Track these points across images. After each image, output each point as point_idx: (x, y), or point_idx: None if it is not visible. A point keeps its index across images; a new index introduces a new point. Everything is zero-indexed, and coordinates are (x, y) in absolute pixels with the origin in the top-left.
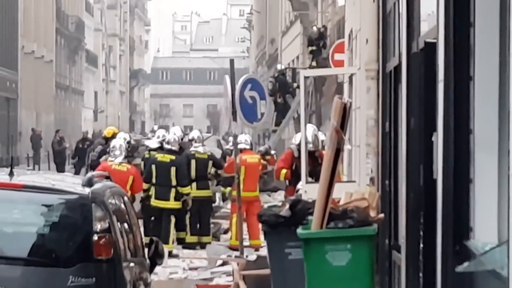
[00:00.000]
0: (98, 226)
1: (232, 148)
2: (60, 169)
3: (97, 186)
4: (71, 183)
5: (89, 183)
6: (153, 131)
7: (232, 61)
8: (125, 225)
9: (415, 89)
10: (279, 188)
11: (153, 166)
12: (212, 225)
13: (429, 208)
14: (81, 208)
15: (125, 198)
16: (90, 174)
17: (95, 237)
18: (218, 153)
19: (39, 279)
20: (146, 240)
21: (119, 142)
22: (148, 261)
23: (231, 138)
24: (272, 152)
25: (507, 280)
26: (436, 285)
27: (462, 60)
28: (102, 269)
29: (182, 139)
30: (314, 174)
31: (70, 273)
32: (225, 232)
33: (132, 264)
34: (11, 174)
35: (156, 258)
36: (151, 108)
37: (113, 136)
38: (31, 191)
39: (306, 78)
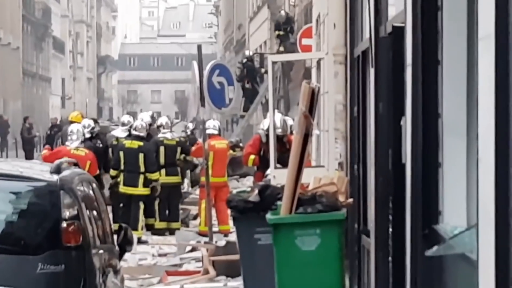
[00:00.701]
0: (66, 213)
1: (184, 135)
2: (29, 156)
3: (65, 173)
4: (39, 170)
5: (57, 170)
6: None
7: (199, 47)
8: (94, 212)
9: (383, 73)
10: (248, 174)
11: (121, 153)
12: (181, 211)
13: (398, 192)
14: (50, 195)
15: (94, 185)
16: (58, 161)
17: (64, 224)
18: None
19: (8, 266)
20: (115, 226)
21: (76, 127)
22: (117, 247)
23: (190, 125)
24: (241, 145)
25: (476, 263)
26: (405, 269)
27: (430, 44)
28: (71, 256)
29: (150, 125)
30: (282, 160)
31: (39, 261)
32: (194, 218)
33: (101, 251)
34: None
35: (125, 244)
36: (119, 95)
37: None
38: None
39: (274, 63)
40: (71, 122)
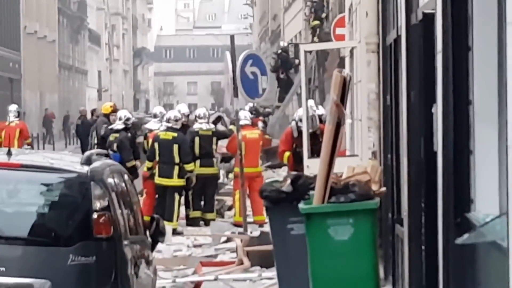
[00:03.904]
0: (97, 205)
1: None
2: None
3: (96, 164)
4: (70, 161)
5: (88, 161)
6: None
7: (232, 37)
8: (126, 203)
9: (415, 61)
10: (284, 164)
11: (156, 144)
12: (216, 202)
13: (430, 181)
14: (80, 186)
15: (126, 176)
16: (89, 152)
17: (95, 216)
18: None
19: (39, 258)
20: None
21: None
22: (149, 239)
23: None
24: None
25: (507, 251)
26: (438, 258)
27: (460, 30)
28: (102, 247)
29: (188, 116)
30: (315, 152)
31: (70, 252)
32: (229, 208)
33: (133, 242)
34: (9, 153)
35: (158, 235)
36: (155, 87)
37: (114, 111)
38: (29, 170)
39: (307, 52)
40: (104, 114)
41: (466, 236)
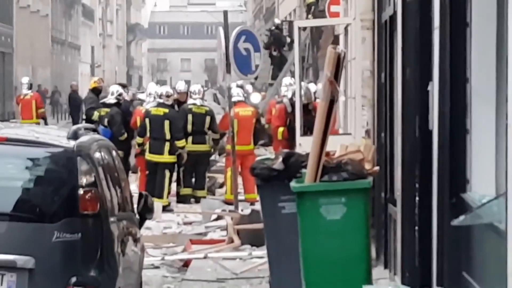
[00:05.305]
0: (83, 180)
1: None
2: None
3: (83, 139)
4: (56, 136)
5: (74, 136)
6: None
7: (226, 13)
8: (113, 179)
9: (411, 38)
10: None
11: (147, 120)
12: (207, 179)
13: (425, 160)
14: (66, 161)
15: (114, 152)
16: (75, 126)
17: (81, 192)
18: (215, 107)
19: (24, 234)
20: None
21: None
22: (137, 216)
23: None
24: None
25: (505, 233)
26: (432, 239)
27: (458, 5)
28: (88, 224)
29: (186, 93)
30: (309, 126)
31: (55, 229)
32: (221, 186)
33: (120, 219)
34: None
35: (146, 212)
36: (149, 63)
37: (99, 86)
38: (14, 144)
39: (301, 29)
40: (91, 89)
41: (462, 217)
